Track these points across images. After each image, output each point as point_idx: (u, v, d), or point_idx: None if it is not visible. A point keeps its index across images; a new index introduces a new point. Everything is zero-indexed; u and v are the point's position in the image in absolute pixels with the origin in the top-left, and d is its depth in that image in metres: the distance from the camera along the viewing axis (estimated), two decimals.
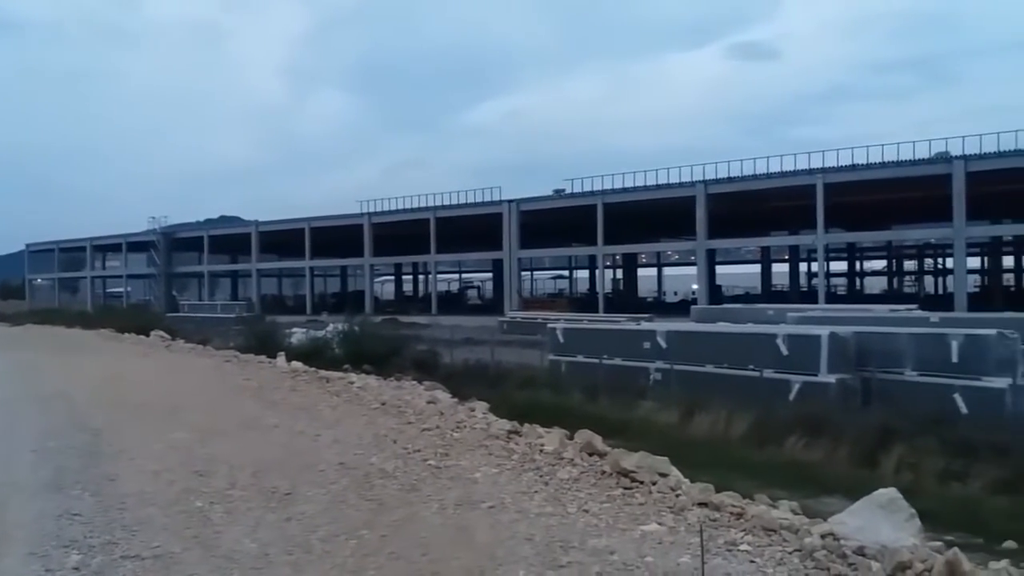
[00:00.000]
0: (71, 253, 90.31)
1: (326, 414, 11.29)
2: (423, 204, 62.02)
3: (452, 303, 71.18)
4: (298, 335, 28.05)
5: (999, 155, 40.12)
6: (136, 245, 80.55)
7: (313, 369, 16.71)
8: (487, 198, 58.59)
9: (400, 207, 63.51)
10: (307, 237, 67.49)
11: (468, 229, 61.59)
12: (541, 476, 7.48)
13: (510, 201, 56.73)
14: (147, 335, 29.28)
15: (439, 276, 72.74)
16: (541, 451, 8.41)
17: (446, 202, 60.69)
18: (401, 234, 64.68)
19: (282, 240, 73.55)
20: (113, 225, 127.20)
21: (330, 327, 27.42)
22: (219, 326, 41.68)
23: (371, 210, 64.42)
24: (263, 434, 9.81)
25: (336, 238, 68.77)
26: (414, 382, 16.89)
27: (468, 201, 59.58)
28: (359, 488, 7.09)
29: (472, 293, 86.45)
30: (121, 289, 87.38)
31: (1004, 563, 5.02)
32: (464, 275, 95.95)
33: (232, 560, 5.30)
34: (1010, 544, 8.40)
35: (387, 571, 5.08)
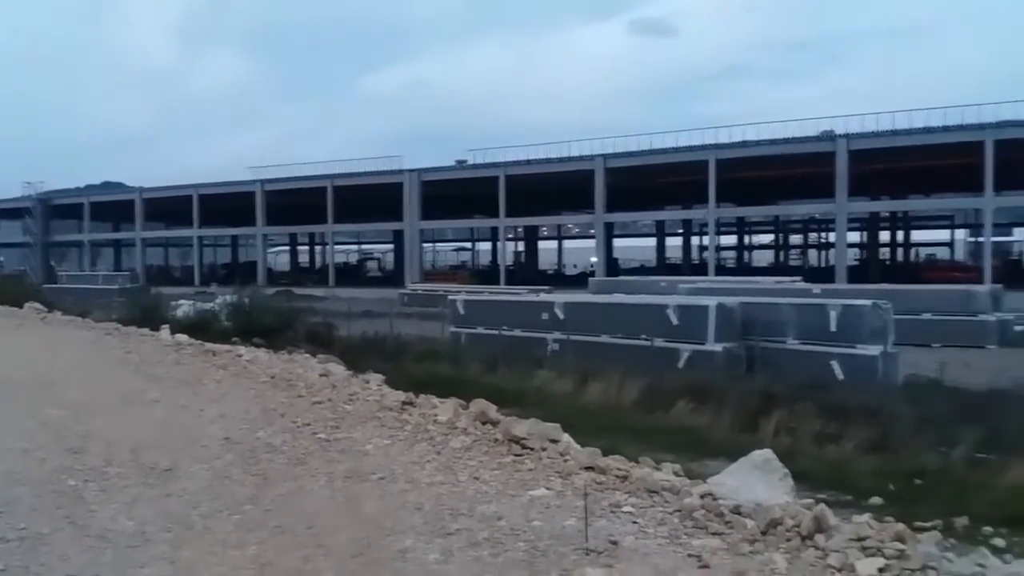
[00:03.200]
0: None
1: (211, 388, 10.91)
2: (320, 172, 60.49)
3: (350, 275, 70.03)
4: (185, 307, 26.97)
5: (878, 135, 42.38)
6: (9, 212, 75.61)
7: (199, 342, 16.08)
8: (387, 167, 57.66)
9: (296, 175, 61.74)
10: (195, 205, 64.85)
11: (367, 199, 60.52)
12: (434, 446, 7.46)
13: (411, 170, 56.06)
14: (20, 307, 27.55)
15: (337, 247, 71.39)
16: (435, 421, 8.37)
17: (345, 170, 59.40)
18: (296, 203, 62.96)
19: (169, 208, 70.37)
20: None
21: (219, 299, 26.52)
22: (101, 298, 39.53)
23: (264, 177, 62.37)
24: (143, 409, 9.41)
25: (227, 206, 66.37)
26: (307, 355, 16.53)
27: (368, 170, 58.48)
28: (244, 463, 6.90)
29: (372, 265, 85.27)
30: None
31: (866, 516, 5.33)
32: (363, 246, 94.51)
33: (106, 539, 5.07)
34: (876, 500, 8.99)
35: (270, 545, 4.97)
